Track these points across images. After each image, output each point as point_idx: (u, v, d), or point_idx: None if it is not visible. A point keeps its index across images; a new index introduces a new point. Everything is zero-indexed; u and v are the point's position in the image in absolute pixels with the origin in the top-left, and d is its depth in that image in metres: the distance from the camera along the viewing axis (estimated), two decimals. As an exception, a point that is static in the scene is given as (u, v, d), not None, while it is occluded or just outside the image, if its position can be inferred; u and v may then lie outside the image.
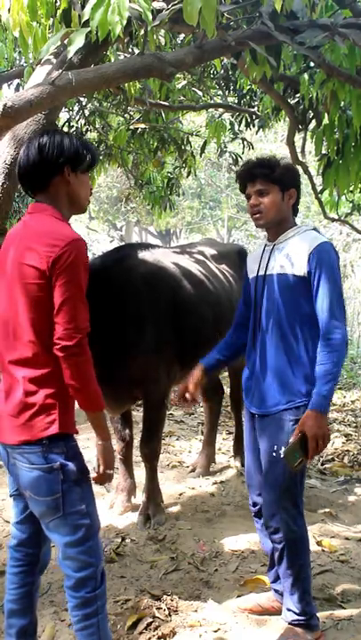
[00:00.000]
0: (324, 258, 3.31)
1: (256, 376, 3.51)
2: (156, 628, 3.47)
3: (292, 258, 3.37)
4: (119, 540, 4.51)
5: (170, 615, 3.60)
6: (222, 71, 7.82)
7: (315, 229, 3.54)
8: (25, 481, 2.77)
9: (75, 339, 2.61)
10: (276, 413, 3.38)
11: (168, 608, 3.65)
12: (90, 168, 2.95)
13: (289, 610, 3.44)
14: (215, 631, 3.48)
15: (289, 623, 3.44)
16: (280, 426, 3.35)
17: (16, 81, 7.65)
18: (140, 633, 3.45)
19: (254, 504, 3.69)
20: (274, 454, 3.34)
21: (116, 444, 5.28)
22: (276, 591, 3.69)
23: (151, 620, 3.53)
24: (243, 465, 5.95)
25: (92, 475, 2.82)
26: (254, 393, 3.51)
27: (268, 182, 3.42)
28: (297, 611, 3.41)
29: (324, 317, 3.28)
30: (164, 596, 3.76)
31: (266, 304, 3.46)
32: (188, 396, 3.74)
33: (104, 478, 2.86)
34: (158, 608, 3.63)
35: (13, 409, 2.73)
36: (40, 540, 2.98)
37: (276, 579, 3.67)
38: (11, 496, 3.07)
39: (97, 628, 2.82)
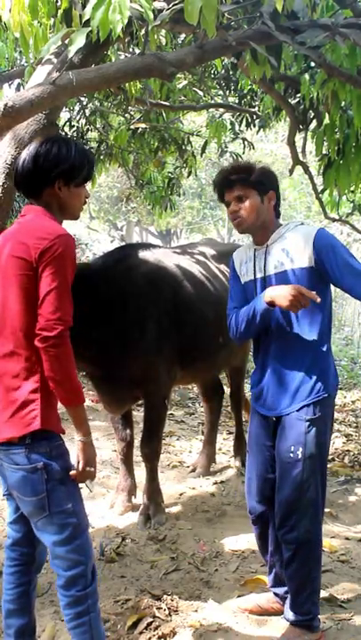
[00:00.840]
0: (329, 240, 3.30)
1: (267, 379, 3.48)
2: (156, 628, 3.47)
3: (291, 253, 3.35)
4: (119, 539, 4.51)
5: (170, 615, 3.60)
6: (223, 71, 7.82)
7: (302, 224, 3.52)
8: (12, 481, 2.79)
9: (55, 330, 2.60)
10: (292, 413, 3.35)
11: (168, 608, 3.65)
12: (85, 182, 2.95)
13: (292, 610, 3.43)
14: (215, 631, 3.48)
15: (291, 623, 3.44)
16: (296, 426, 3.32)
17: (17, 81, 7.67)
18: (141, 633, 3.45)
19: (252, 511, 3.67)
20: (291, 455, 3.31)
21: (117, 444, 5.28)
22: (276, 594, 3.69)
23: (151, 619, 3.52)
24: (243, 465, 5.95)
25: (72, 472, 2.80)
26: (266, 396, 3.48)
27: (246, 187, 3.41)
28: (301, 611, 3.41)
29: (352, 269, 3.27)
30: (165, 596, 3.76)
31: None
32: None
33: (84, 475, 2.84)
34: (158, 608, 3.63)
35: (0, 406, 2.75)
36: (34, 540, 2.98)
37: (276, 584, 3.67)
38: (4, 496, 3.06)
39: (89, 626, 2.82)
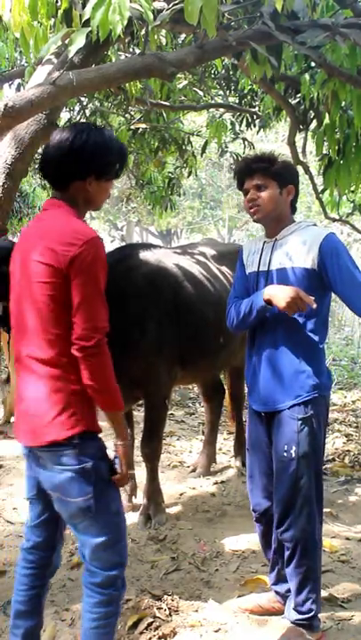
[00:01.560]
0: (335, 246, 3.29)
1: (259, 374, 3.48)
2: (156, 628, 3.46)
3: (296, 252, 3.34)
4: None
5: (170, 615, 3.60)
6: (223, 71, 7.82)
7: (315, 225, 3.52)
8: (54, 482, 2.73)
9: (93, 339, 2.57)
10: (284, 411, 3.36)
11: (169, 608, 3.65)
12: (116, 177, 2.91)
13: (294, 609, 3.44)
14: (216, 631, 3.48)
15: (292, 622, 3.45)
16: (289, 425, 3.33)
17: (17, 81, 7.67)
18: (141, 633, 3.45)
19: (256, 508, 3.66)
20: (285, 454, 3.32)
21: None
22: (276, 592, 3.69)
23: (152, 619, 3.52)
24: (244, 465, 5.95)
25: (115, 476, 2.78)
26: (259, 391, 3.48)
27: (267, 177, 3.40)
28: (302, 610, 3.41)
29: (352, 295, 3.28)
30: (165, 596, 3.76)
31: None
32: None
33: (126, 480, 2.84)
34: (159, 608, 3.63)
35: (36, 408, 2.69)
36: (54, 544, 2.97)
37: (278, 581, 3.67)
38: (27, 499, 3.03)
39: (113, 628, 2.83)
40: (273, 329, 3.41)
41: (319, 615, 3.48)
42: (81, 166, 2.73)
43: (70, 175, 2.75)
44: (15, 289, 2.81)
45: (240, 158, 8.83)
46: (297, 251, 3.34)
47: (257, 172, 3.41)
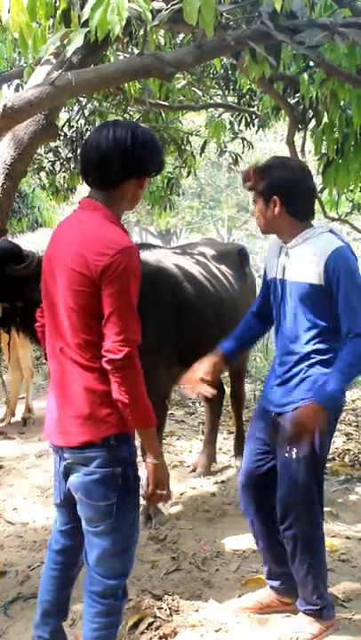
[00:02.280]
0: (341, 265, 3.24)
1: (275, 374, 3.50)
2: (157, 628, 3.47)
3: (305, 265, 3.30)
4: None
5: (171, 615, 3.60)
6: (222, 71, 7.82)
7: (331, 231, 3.45)
8: (79, 483, 2.70)
9: (122, 352, 2.50)
10: (287, 413, 3.37)
11: (169, 608, 3.65)
12: (158, 173, 2.87)
13: (302, 598, 3.49)
14: (216, 631, 3.48)
15: (302, 611, 3.50)
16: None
17: (16, 81, 7.65)
18: (142, 633, 3.45)
19: (242, 506, 3.71)
20: (287, 454, 3.33)
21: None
22: (271, 587, 3.72)
23: (152, 619, 3.53)
24: (244, 465, 5.96)
25: (142, 493, 2.76)
26: (268, 389, 3.53)
27: (256, 194, 3.42)
28: (309, 601, 3.46)
29: (345, 323, 3.24)
30: (166, 596, 3.76)
31: (284, 309, 3.42)
32: (201, 385, 3.61)
33: (155, 499, 2.81)
34: (160, 608, 3.63)
35: (70, 408, 2.67)
36: (82, 546, 2.92)
37: (270, 576, 3.72)
38: (56, 505, 3.01)
39: (114, 636, 2.83)
40: (287, 337, 3.43)
41: (329, 604, 3.53)
42: (142, 163, 2.68)
43: (129, 172, 2.67)
44: (47, 287, 2.77)
45: (239, 159, 8.89)
46: (306, 264, 3.30)
47: (250, 189, 3.46)
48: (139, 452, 2.85)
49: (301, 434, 3.22)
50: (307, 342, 3.34)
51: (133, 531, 2.80)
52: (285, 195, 3.36)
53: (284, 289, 3.41)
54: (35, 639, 3.04)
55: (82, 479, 2.68)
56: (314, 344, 3.33)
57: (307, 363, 3.35)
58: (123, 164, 2.63)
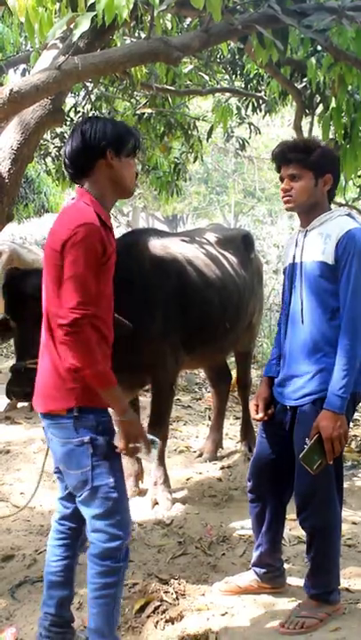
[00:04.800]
0: (351, 246, 3.22)
1: (286, 367, 3.49)
2: (163, 612, 3.49)
3: (321, 245, 3.30)
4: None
5: (177, 599, 3.62)
6: (229, 55, 7.77)
7: (349, 215, 3.44)
8: (58, 454, 2.93)
9: (69, 317, 2.66)
10: (305, 405, 3.37)
11: (176, 592, 3.67)
12: (134, 151, 2.99)
13: (310, 583, 3.52)
14: (222, 615, 3.50)
15: (309, 596, 3.52)
16: (310, 418, 3.32)
17: (22, 66, 7.64)
18: (148, 616, 3.47)
19: (252, 490, 3.71)
20: (305, 446, 3.30)
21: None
22: (255, 572, 3.76)
23: (159, 603, 3.54)
24: (250, 450, 5.97)
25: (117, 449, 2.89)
26: (284, 384, 3.50)
27: (303, 167, 3.33)
28: (317, 585, 3.50)
29: (344, 312, 3.24)
30: (172, 580, 3.78)
31: (299, 293, 3.40)
32: (256, 409, 3.64)
33: (129, 452, 2.91)
34: (166, 592, 3.65)
35: (45, 378, 2.89)
36: (82, 516, 3.03)
37: (257, 563, 3.75)
38: (55, 473, 3.17)
39: (112, 599, 2.92)
40: (301, 323, 3.40)
41: (337, 589, 3.55)
42: (97, 143, 2.87)
43: (91, 156, 2.89)
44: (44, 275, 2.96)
45: (246, 144, 8.84)
46: (322, 244, 3.30)
47: (293, 161, 3.35)
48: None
49: (335, 448, 3.23)
50: (322, 326, 3.33)
51: (119, 494, 2.90)
52: (334, 174, 3.42)
53: (303, 269, 3.38)
54: (42, 618, 3.12)
55: (59, 451, 2.91)
56: (328, 328, 3.31)
57: (322, 352, 3.33)
58: (84, 150, 2.89)
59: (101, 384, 2.78)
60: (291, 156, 3.36)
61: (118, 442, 2.87)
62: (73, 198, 2.97)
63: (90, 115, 8.07)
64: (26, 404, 7.26)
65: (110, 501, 2.85)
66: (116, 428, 2.90)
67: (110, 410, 2.90)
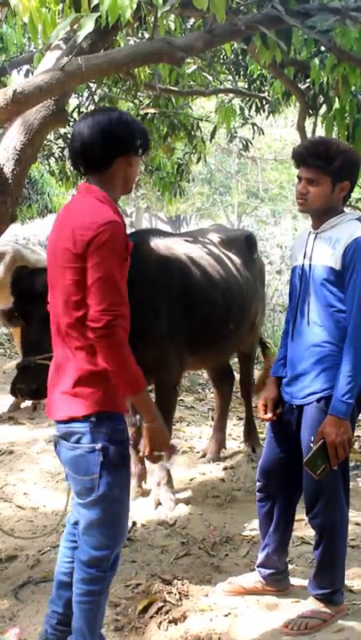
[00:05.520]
0: (358, 253, 3.22)
1: (292, 367, 3.50)
2: (166, 612, 3.49)
3: (330, 250, 3.30)
4: (130, 524, 4.52)
5: (181, 599, 3.62)
6: (232, 56, 7.78)
7: (359, 219, 3.42)
8: (66, 458, 2.86)
9: (102, 320, 2.61)
10: (312, 404, 3.37)
11: (179, 592, 3.67)
12: (145, 152, 2.95)
13: (315, 582, 3.52)
14: (226, 615, 3.50)
15: (313, 596, 3.52)
16: (316, 417, 3.34)
17: (26, 67, 7.65)
18: (151, 617, 3.47)
19: (261, 489, 3.72)
20: (311, 445, 3.32)
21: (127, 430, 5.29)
22: (260, 573, 3.75)
23: (162, 604, 3.54)
24: (253, 450, 5.97)
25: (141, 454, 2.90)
26: (290, 383, 3.51)
27: (322, 174, 3.29)
28: (321, 585, 3.50)
29: (350, 320, 3.25)
30: (175, 581, 3.78)
31: (307, 295, 3.40)
32: (264, 410, 3.64)
33: (152, 459, 2.92)
34: (169, 592, 3.65)
35: (61, 385, 2.80)
36: None
37: (263, 564, 3.74)
38: (66, 476, 3.10)
39: (97, 605, 2.90)
40: (308, 324, 3.41)
41: (341, 590, 3.56)
42: (123, 141, 2.79)
43: (114, 151, 2.79)
44: (50, 273, 2.89)
45: (250, 144, 8.84)
46: (330, 248, 3.30)
47: (312, 166, 3.31)
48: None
49: (339, 453, 3.24)
50: (328, 327, 3.33)
51: (120, 507, 2.89)
52: (352, 181, 3.40)
53: (311, 272, 3.38)
54: (49, 615, 3.12)
55: (67, 453, 2.84)
56: (334, 328, 3.32)
57: (326, 351, 3.34)
58: (106, 146, 2.77)
59: (133, 388, 2.77)
60: (311, 161, 3.31)
61: (143, 447, 2.86)
62: (78, 193, 2.88)
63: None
64: (29, 403, 7.30)
65: (111, 512, 2.83)
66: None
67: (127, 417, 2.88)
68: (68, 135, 8.49)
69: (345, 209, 3.54)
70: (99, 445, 2.74)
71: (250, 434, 6.19)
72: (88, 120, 2.79)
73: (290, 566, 3.90)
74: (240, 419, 7.12)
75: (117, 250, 2.67)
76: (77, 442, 2.77)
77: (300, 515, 3.72)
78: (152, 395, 5.30)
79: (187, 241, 5.42)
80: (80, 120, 2.85)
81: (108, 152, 2.78)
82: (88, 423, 2.74)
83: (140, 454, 2.86)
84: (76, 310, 2.71)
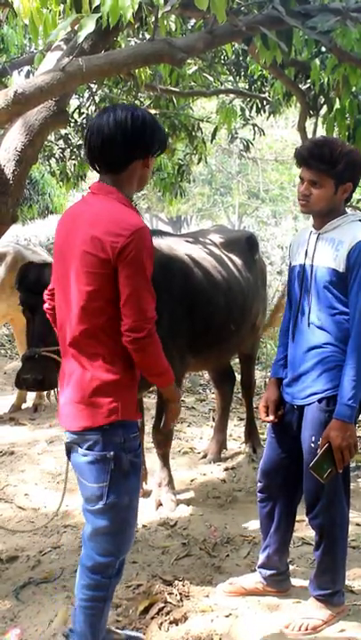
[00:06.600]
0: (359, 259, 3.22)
1: (293, 368, 3.49)
2: (167, 613, 3.49)
3: (333, 251, 3.28)
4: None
5: (182, 600, 3.62)
6: (233, 56, 7.78)
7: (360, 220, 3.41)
8: (77, 463, 2.83)
9: (145, 329, 2.63)
10: (313, 404, 3.37)
11: (180, 593, 3.67)
12: (162, 153, 2.92)
13: (316, 583, 3.52)
14: (227, 616, 3.49)
15: (314, 596, 3.52)
16: (317, 417, 3.34)
17: (26, 68, 7.65)
18: (152, 618, 3.47)
19: (262, 490, 3.71)
20: (312, 445, 3.33)
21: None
22: (260, 574, 3.75)
23: (163, 605, 3.54)
24: (254, 451, 5.97)
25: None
26: (291, 384, 3.50)
27: (325, 176, 3.26)
28: (322, 587, 3.50)
29: (354, 323, 3.24)
30: (176, 582, 3.78)
31: (308, 295, 3.39)
32: (265, 412, 3.64)
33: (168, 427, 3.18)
34: (170, 593, 3.65)
35: (76, 395, 2.75)
36: None
37: (264, 565, 3.74)
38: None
39: (100, 611, 2.90)
40: (310, 325, 3.39)
41: (341, 591, 3.55)
42: (144, 143, 2.73)
43: (133, 153, 2.72)
44: (58, 273, 2.84)
45: (250, 145, 8.83)
46: (333, 250, 3.29)
47: (315, 168, 3.28)
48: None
49: (345, 457, 3.27)
50: (329, 328, 3.33)
51: (129, 514, 2.88)
52: (355, 182, 3.38)
53: (313, 273, 3.37)
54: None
55: (78, 460, 2.81)
56: (335, 329, 3.31)
57: (328, 352, 3.34)
58: (125, 146, 2.70)
59: (165, 382, 2.90)
60: (314, 163, 3.27)
61: (165, 422, 3.10)
62: (94, 193, 2.77)
63: (94, 116, 8.08)
64: (30, 404, 7.31)
65: (119, 520, 2.81)
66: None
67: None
68: (69, 136, 8.52)
69: (354, 211, 3.54)
70: (111, 454, 2.73)
71: (251, 434, 6.19)
72: (109, 116, 2.69)
73: (291, 567, 3.90)
74: (241, 419, 7.12)
75: (150, 256, 2.65)
76: (89, 449, 2.75)
77: (301, 515, 3.72)
78: (153, 395, 5.31)
79: (188, 242, 5.43)
80: (100, 114, 2.76)
81: (127, 153, 2.72)
82: (101, 431, 2.72)
83: (162, 428, 3.14)
84: (96, 317, 2.67)
